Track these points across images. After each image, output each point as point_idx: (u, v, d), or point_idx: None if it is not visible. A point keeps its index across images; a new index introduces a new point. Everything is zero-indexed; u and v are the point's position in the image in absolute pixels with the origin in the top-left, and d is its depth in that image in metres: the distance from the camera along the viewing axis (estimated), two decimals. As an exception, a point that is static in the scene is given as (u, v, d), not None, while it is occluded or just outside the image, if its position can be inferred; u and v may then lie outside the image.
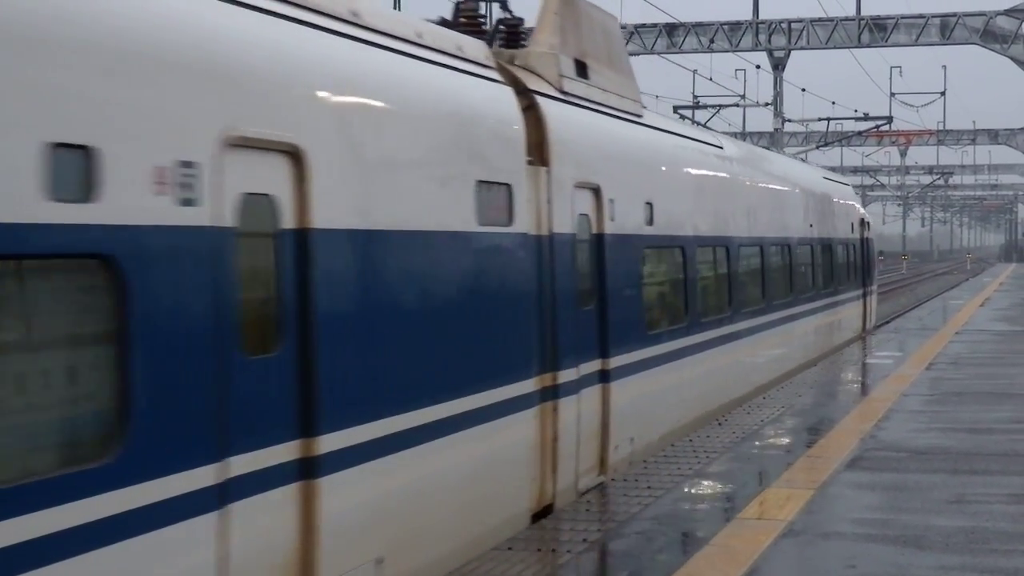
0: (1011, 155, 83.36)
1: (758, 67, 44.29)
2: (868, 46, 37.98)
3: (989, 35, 36.03)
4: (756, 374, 16.43)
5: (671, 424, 12.57)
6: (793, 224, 19.42)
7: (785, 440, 11.90)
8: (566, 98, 10.51)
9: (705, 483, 9.82)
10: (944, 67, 59.99)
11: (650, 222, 12.14)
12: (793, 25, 38.63)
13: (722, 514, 8.75)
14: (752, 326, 16.22)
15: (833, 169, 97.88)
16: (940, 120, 68.47)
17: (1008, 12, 35.68)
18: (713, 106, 40.17)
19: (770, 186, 18.39)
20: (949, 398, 14.71)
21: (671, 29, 38.94)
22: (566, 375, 9.72)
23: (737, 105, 42.99)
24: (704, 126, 31.50)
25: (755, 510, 8.80)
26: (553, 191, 9.63)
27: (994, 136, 68.00)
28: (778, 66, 41.73)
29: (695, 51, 39.45)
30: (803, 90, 51.60)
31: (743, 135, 61.16)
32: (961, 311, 32.48)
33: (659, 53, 39.07)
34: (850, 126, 53.12)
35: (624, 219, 11.31)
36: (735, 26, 39.06)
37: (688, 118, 37.92)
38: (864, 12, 38.89)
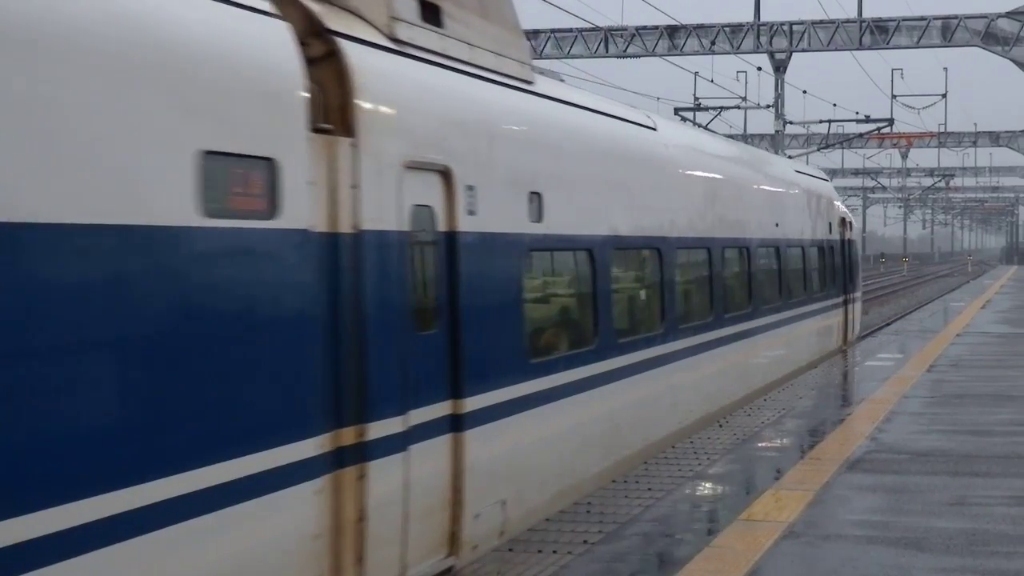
0: (1012, 157, 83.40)
1: (759, 69, 44.27)
2: (869, 48, 37.95)
3: (990, 37, 36.01)
4: (696, 405, 13.43)
5: (568, 479, 9.67)
6: (753, 223, 16.56)
7: (786, 442, 11.89)
8: (399, 48, 7.73)
9: (706, 484, 9.82)
10: (945, 69, 59.98)
11: (538, 218, 9.30)
12: (794, 27, 38.60)
13: (723, 516, 8.75)
14: (692, 345, 13.20)
15: (833, 172, 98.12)
16: (941, 122, 68.67)
17: (1010, 14, 35.66)
18: (714, 108, 40.18)
19: (722, 178, 15.38)
20: (950, 400, 14.70)
21: (672, 31, 38.92)
22: (382, 427, 6.90)
23: (738, 107, 42.98)
24: (705, 128, 31.39)
25: (756, 512, 8.80)
26: (363, 172, 6.86)
27: (995, 138, 67.96)
28: (779, 68, 41.72)
29: (696, 53, 39.41)
30: (804, 92, 51.63)
31: (744, 137, 61.20)
32: (962, 313, 32.47)
33: (660, 55, 39.04)
34: (851, 128, 53.14)
35: (492, 213, 8.43)
36: (736, 28, 39.04)
37: (690, 120, 37.95)
38: (865, 14, 38.87)
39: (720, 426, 12.76)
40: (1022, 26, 35.44)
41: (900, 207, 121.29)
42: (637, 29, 38.83)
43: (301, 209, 6.33)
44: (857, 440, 11.72)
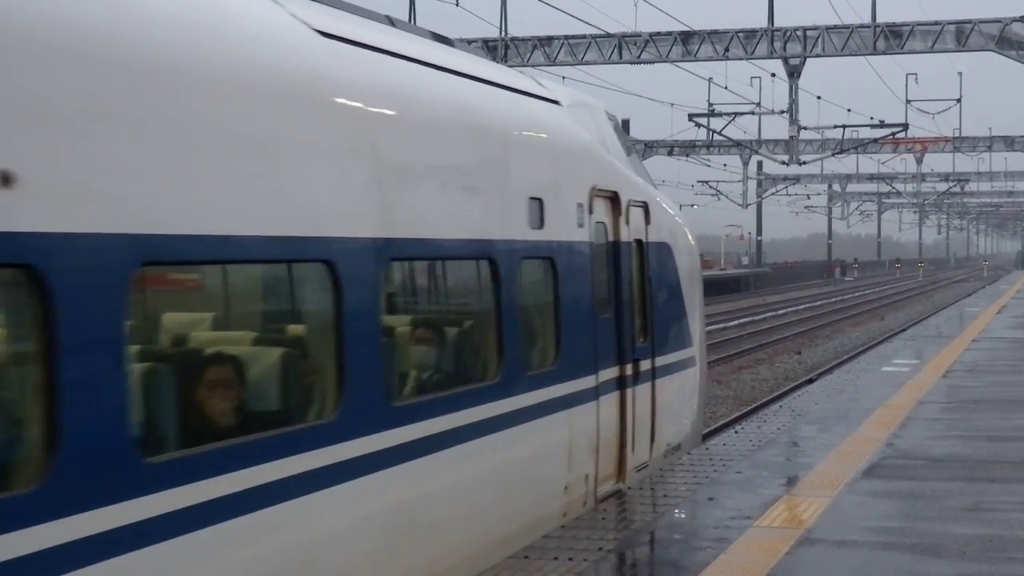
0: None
1: (773, 75, 44.21)
2: (883, 53, 37.84)
3: (1005, 42, 35.91)
4: None
5: None
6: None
7: (801, 448, 11.87)
8: None
9: (720, 491, 9.81)
10: (960, 74, 59.88)
11: None
12: (808, 32, 38.52)
13: (738, 522, 8.74)
14: None
15: (848, 177, 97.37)
16: (956, 127, 68.36)
17: (1024, 19, 35.56)
18: (728, 114, 40.15)
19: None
20: (966, 406, 14.68)
21: (686, 37, 38.88)
22: None
23: (752, 113, 42.99)
24: (720, 133, 31.21)
25: (771, 518, 8.79)
26: None
27: (1010, 143, 67.70)
28: (793, 74, 41.63)
29: (710, 59, 39.33)
30: (819, 98, 51.56)
31: (758, 143, 61.10)
32: (978, 318, 32.40)
33: (674, 61, 39.00)
34: (866, 133, 53.09)
35: None
36: (750, 34, 38.98)
37: (704, 126, 37.89)
38: (879, 19, 38.77)
39: (736, 432, 12.73)
40: (1036, 30, 35.33)
41: (915, 212, 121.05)
42: (651, 35, 38.80)
43: None
44: (873, 446, 11.69)
